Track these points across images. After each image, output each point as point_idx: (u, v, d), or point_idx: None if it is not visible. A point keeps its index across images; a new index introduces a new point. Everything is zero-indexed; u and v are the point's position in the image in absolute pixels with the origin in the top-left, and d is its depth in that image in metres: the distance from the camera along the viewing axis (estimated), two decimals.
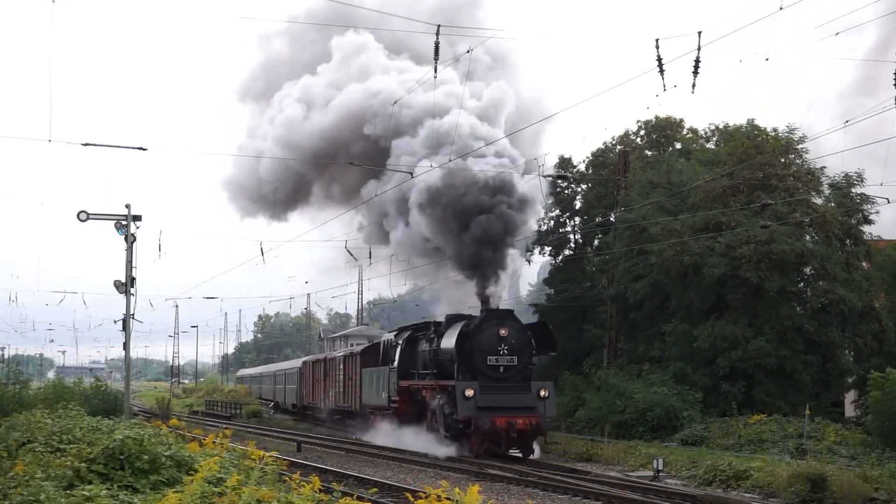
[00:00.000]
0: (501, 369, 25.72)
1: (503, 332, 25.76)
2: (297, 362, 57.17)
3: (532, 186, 28.04)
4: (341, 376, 40.77)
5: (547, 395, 25.53)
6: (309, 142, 31.80)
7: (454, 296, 32.84)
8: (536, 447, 26.47)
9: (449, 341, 26.88)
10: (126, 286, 29.81)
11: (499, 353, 25.65)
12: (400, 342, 31.23)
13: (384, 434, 31.64)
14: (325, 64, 33.00)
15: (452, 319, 28.06)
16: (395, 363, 30.94)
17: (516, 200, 26.96)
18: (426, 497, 9.75)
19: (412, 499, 10.62)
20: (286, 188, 34.46)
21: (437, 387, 27.26)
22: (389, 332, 35.80)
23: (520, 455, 25.94)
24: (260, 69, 36.53)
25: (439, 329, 28.44)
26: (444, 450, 26.41)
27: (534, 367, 26.78)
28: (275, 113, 33.48)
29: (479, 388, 25.07)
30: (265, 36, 37.11)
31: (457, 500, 9.51)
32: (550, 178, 22.00)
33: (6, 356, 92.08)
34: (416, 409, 29.74)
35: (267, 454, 13.38)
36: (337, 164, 31.68)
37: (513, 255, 31.22)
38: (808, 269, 33.03)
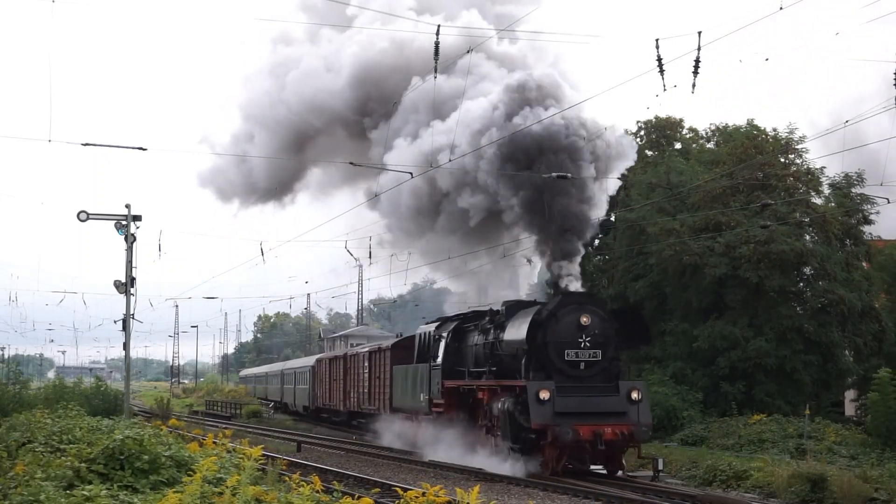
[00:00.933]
0: (582, 366, 21.28)
1: (585, 320, 21.28)
2: (309, 360, 53.27)
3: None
4: (366, 375, 36.56)
5: (640, 397, 21.18)
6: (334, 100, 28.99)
7: (488, 286, 30.69)
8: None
9: (516, 332, 22.25)
10: (126, 286, 29.81)
11: (579, 345, 21.26)
12: (444, 335, 26.84)
13: (425, 444, 27.27)
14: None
15: (515, 307, 23.71)
16: (439, 360, 26.58)
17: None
18: (423, 495, 9.74)
19: (402, 492, 10.61)
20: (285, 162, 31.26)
21: (498, 388, 22.91)
22: (427, 323, 30.80)
23: (604, 472, 21.60)
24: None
25: (497, 318, 23.96)
26: (508, 466, 21.81)
27: (621, 363, 22.69)
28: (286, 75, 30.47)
29: (555, 389, 20.71)
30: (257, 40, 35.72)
31: (458, 500, 9.48)
32: (549, 179, 21.60)
33: (6, 356, 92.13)
34: (466, 413, 25.23)
35: (261, 452, 13.37)
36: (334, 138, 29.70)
37: (514, 255, 31.08)
38: (807, 269, 33.05)
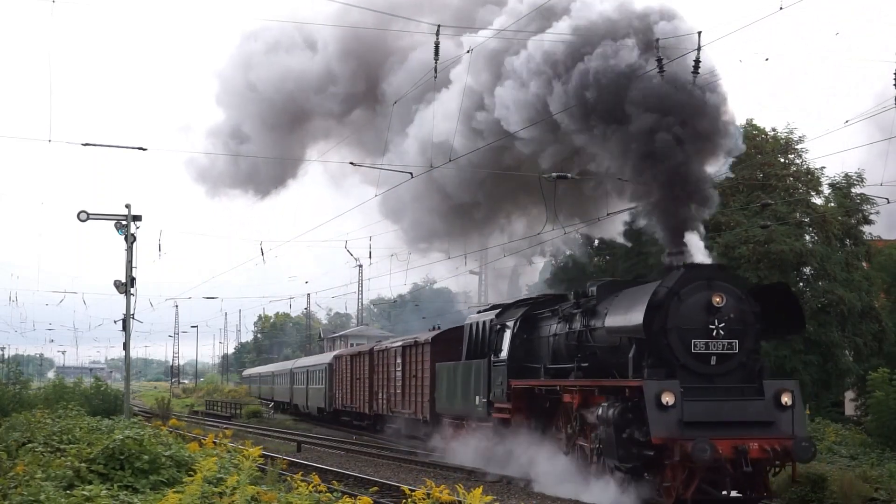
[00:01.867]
0: (713, 360, 16.21)
1: (717, 300, 16.19)
2: (324, 357, 49.39)
3: None
4: (398, 373, 32.36)
5: (791, 402, 16.02)
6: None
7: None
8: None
9: (624, 317, 16.92)
10: (126, 286, 29.81)
11: (710, 333, 16.18)
12: (508, 325, 22.08)
13: (486, 457, 22.63)
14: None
15: (608, 287, 18.90)
16: (503, 354, 21.91)
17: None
18: (427, 496, 9.75)
19: (408, 492, 10.61)
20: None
21: (595, 389, 17.59)
22: (479, 310, 26.93)
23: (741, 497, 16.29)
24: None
25: (586, 303, 18.93)
26: (613, 492, 16.73)
27: (761, 357, 17.45)
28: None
29: (681, 391, 15.47)
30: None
31: (461, 501, 9.49)
32: (551, 178, 21.41)
33: (6, 356, 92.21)
34: (539, 421, 20.43)
35: (260, 452, 13.39)
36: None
37: (514, 255, 30.88)
38: (807, 269, 33.06)
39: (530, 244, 27.99)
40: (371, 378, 36.51)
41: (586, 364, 18.49)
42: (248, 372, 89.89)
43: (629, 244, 30.74)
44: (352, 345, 63.68)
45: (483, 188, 24.19)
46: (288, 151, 29.00)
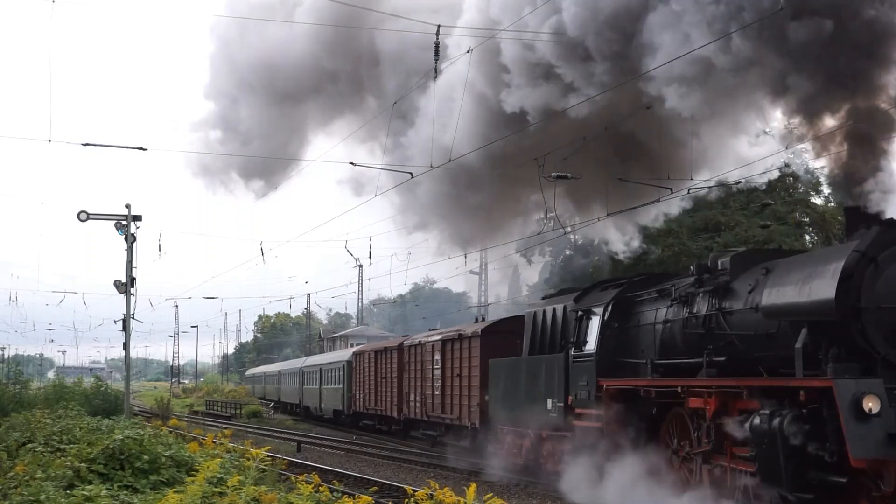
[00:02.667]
0: None
1: None
2: (342, 354, 44.75)
3: None
4: (437, 372, 28.40)
5: None
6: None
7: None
8: None
9: (797, 291, 12.53)
10: (126, 286, 29.82)
11: None
12: (596, 310, 17.89)
13: (563, 474, 18.29)
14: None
15: (750, 257, 14.78)
16: (590, 347, 17.70)
17: None
18: (430, 498, 9.75)
19: (411, 491, 10.61)
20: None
21: (744, 391, 13.05)
22: (544, 296, 23.61)
23: None
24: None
25: (716, 279, 14.75)
26: None
27: None
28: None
29: (887, 393, 11.21)
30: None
31: (463, 501, 9.49)
32: (551, 178, 21.40)
33: (6, 356, 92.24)
34: (641, 432, 16.14)
35: (264, 453, 13.39)
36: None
37: (511, 255, 30.82)
38: None
39: (540, 240, 27.34)
40: (400, 377, 32.54)
41: (722, 358, 14.15)
42: (251, 371, 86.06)
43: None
44: (352, 345, 63.59)
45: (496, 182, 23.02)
46: (287, 135, 27.54)
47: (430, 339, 30.05)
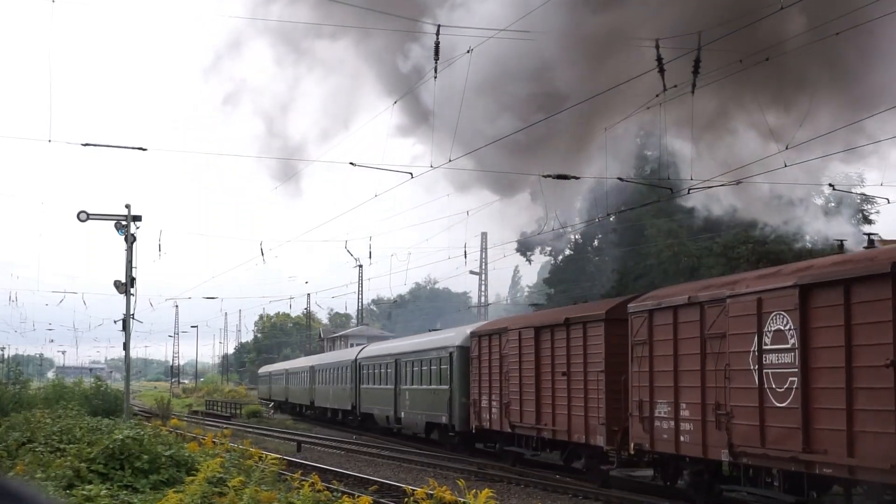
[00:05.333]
0: None
1: None
2: (447, 336, 30.09)
3: None
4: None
5: None
6: None
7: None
8: None
9: None
10: (126, 286, 29.80)
11: None
12: None
13: None
14: None
15: None
16: None
17: None
18: (430, 497, 9.75)
19: (409, 490, 10.62)
20: None
21: None
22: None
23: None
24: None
25: None
26: None
27: None
28: None
29: None
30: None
31: (464, 501, 9.50)
32: (551, 178, 21.35)
33: (6, 356, 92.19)
34: None
35: (268, 454, 13.40)
36: None
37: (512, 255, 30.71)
38: None
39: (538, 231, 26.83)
40: (666, 372, 19.79)
41: None
42: (266, 369, 72.47)
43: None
44: (352, 345, 63.39)
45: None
46: None
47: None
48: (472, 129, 21.76)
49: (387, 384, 34.55)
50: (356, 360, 39.23)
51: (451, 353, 28.11)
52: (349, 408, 40.06)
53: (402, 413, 32.51)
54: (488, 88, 21.71)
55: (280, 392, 59.65)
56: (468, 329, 27.75)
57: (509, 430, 23.22)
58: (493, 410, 24.39)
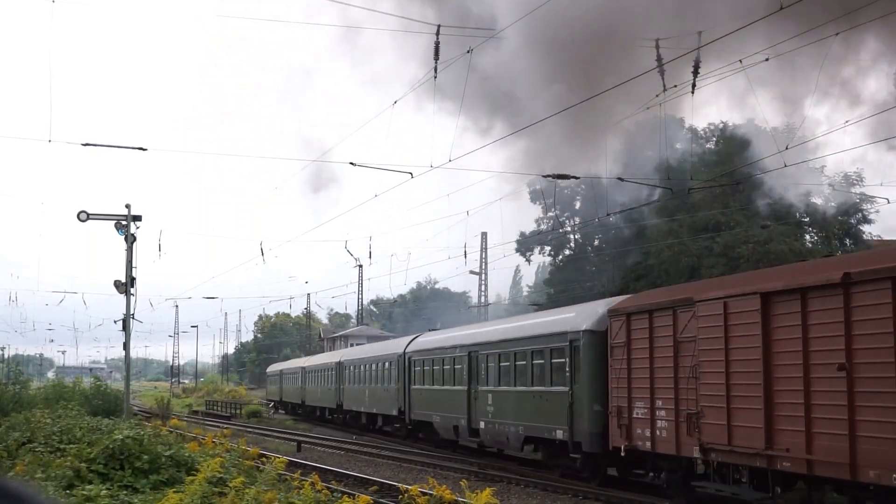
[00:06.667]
0: None
1: None
2: (541, 320, 23.16)
3: None
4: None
5: None
6: None
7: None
8: None
9: None
10: (126, 286, 29.80)
11: None
12: None
13: None
14: None
15: None
16: None
17: None
18: (423, 495, 9.75)
19: (404, 488, 10.61)
20: None
21: None
22: None
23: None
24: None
25: None
26: None
27: None
28: None
29: None
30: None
31: (466, 502, 9.49)
32: (551, 178, 21.33)
33: (6, 356, 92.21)
34: None
35: (274, 456, 13.40)
36: None
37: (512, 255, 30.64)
38: None
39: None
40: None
41: None
42: (277, 367, 65.06)
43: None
44: (352, 344, 63.24)
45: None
46: None
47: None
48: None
49: (454, 384, 26.79)
50: (405, 353, 31.69)
51: (571, 341, 19.98)
52: (394, 413, 32.54)
53: (482, 423, 24.57)
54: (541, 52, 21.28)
55: (294, 393, 52.76)
56: (601, 306, 19.84)
57: (697, 456, 15.79)
58: (661, 424, 16.79)
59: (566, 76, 20.85)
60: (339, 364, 41.50)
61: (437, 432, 28.52)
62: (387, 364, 33.85)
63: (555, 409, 20.41)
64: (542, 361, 21.42)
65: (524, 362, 22.38)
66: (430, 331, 34.83)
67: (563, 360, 20.28)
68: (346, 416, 40.22)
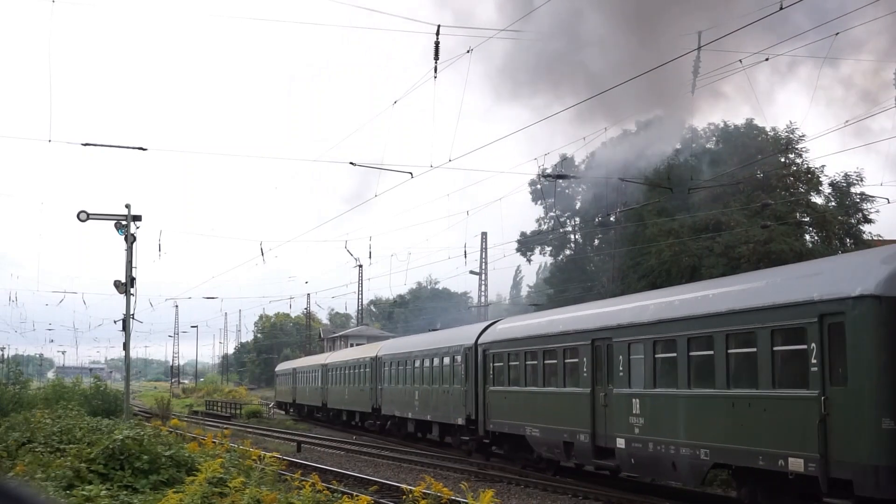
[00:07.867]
0: None
1: None
2: (749, 286, 14.96)
3: None
4: None
5: None
6: None
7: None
8: None
9: None
10: (126, 286, 29.78)
11: None
12: None
13: None
14: None
15: None
16: None
17: None
18: (426, 495, 9.75)
19: (406, 488, 10.60)
20: None
21: None
22: None
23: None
24: None
25: None
26: None
27: None
28: None
29: None
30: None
31: (464, 501, 9.49)
32: (550, 178, 21.29)
33: (6, 356, 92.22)
34: None
35: (266, 454, 13.39)
36: None
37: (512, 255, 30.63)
38: None
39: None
40: None
41: None
42: (286, 366, 59.37)
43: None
44: (352, 344, 63.20)
45: None
46: None
47: None
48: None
49: (565, 385, 20.10)
50: (476, 345, 25.15)
51: (823, 316, 12.69)
52: (460, 421, 26.00)
53: (619, 441, 17.60)
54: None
55: (311, 395, 46.51)
56: (886, 264, 12.36)
57: None
58: None
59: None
60: (376, 360, 34.89)
61: (528, 448, 21.94)
62: (448, 360, 27.32)
63: (783, 425, 13.28)
64: (752, 350, 14.00)
65: (708, 352, 15.05)
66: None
67: (801, 346, 12.96)
68: (385, 422, 33.99)
